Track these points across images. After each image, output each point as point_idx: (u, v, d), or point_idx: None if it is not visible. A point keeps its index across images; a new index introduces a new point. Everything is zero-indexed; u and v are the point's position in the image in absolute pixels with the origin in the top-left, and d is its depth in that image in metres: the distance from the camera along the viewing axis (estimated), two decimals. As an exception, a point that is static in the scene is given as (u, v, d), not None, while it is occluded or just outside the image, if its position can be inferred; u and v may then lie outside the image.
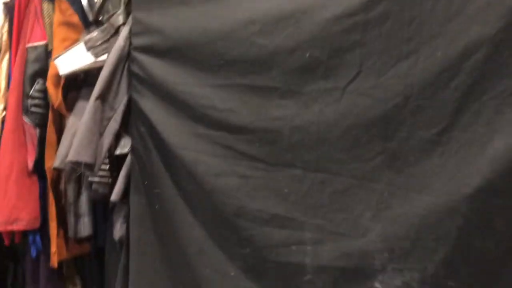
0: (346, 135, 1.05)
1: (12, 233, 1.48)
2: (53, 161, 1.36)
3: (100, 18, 1.41)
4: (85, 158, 1.13)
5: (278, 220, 1.11)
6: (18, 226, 1.41)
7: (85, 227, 1.49)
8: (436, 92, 0.98)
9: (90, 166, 1.15)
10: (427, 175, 1.01)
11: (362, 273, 1.06)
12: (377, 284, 1.06)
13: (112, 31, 1.28)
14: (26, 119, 1.40)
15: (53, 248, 1.44)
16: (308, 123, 1.07)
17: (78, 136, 1.15)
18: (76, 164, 1.14)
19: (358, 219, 1.07)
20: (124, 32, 1.22)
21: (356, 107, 1.04)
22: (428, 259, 1.01)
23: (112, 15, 1.32)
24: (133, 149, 1.24)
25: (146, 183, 1.24)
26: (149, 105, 1.19)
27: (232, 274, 1.16)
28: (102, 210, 1.54)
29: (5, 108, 1.44)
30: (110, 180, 1.38)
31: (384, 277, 1.05)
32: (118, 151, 1.37)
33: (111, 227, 1.46)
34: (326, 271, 1.08)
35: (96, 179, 1.38)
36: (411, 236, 1.02)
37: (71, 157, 1.12)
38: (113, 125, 1.20)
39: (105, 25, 1.33)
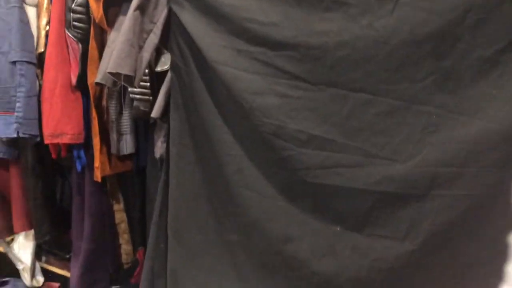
0: (396, 52, 0.98)
1: (58, 147, 1.53)
2: (95, 77, 1.36)
3: None
4: (125, 69, 1.11)
5: (317, 142, 1.07)
6: (63, 140, 1.45)
7: (127, 145, 1.52)
8: (501, 4, 0.88)
9: (129, 78, 1.14)
10: (482, 98, 0.94)
11: (402, 199, 1.03)
12: (417, 211, 1.02)
13: None
14: (69, 34, 1.40)
15: (96, 163, 1.47)
16: (355, 38, 1.00)
17: (118, 48, 1.13)
18: (115, 76, 1.13)
19: (402, 143, 1.01)
20: None
21: (408, 21, 0.96)
22: (474, 188, 0.96)
23: None
24: (172, 65, 1.21)
25: (185, 100, 1.22)
26: (189, 18, 1.14)
27: (269, 194, 1.15)
28: (144, 129, 1.55)
29: (48, 22, 1.44)
30: (151, 98, 1.38)
31: (425, 204, 1.01)
32: (158, 68, 1.35)
33: (152, 145, 1.48)
34: (365, 195, 1.05)
35: (137, 96, 1.37)
36: (458, 162, 0.96)
37: (110, 68, 1.11)
38: (153, 38, 1.17)
39: None
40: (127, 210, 1.73)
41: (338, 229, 1.10)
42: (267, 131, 1.10)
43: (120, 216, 1.74)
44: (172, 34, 1.20)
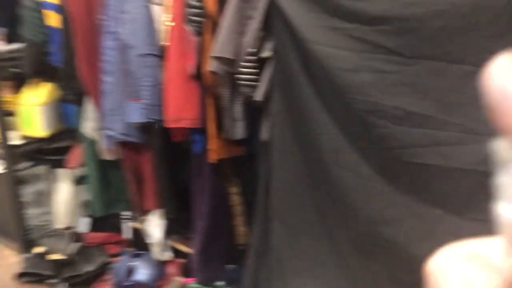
0: (500, 17, 0.90)
1: (180, 131, 1.68)
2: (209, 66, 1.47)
3: None
4: (227, 54, 1.19)
5: (414, 118, 1.02)
6: (183, 124, 1.59)
7: (239, 130, 1.60)
8: None
9: (231, 62, 1.21)
10: None
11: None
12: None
13: None
14: (188, 28, 1.53)
15: (211, 147, 1.59)
16: (454, 6, 0.94)
17: (221, 34, 1.21)
18: (220, 61, 1.21)
19: (509, 117, 0.92)
20: None
21: (513, -19, 0.87)
22: None
23: None
24: (273, 48, 1.26)
25: (284, 82, 1.26)
26: (287, 1, 1.18)
27: (366, 174, 1.13)
28: (256, 115, 1.63)
29: (171, 18, 1.59)
30: (256, 83, 1.45)
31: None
32: (262, 54, 1.41)
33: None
34: (467, 176, 0.98)
35: (244, 82, 1.45)
36: None
37: (214, 53, 1.20)
38: (254, 23, 1.23)
39: None
40: (243, 193, 1.82)
41: (439, 212, 1.03)
42: (362, 108, 1.08)
43: (236, 198, 1.84)
44: (272, 19, 1.25)
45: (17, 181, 2.21)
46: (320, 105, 1.17)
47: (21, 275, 2.12)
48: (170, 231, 2.02)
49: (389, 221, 1.11)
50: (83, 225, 2.33)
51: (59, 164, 2.39)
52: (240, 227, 1.87)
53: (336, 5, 1.09)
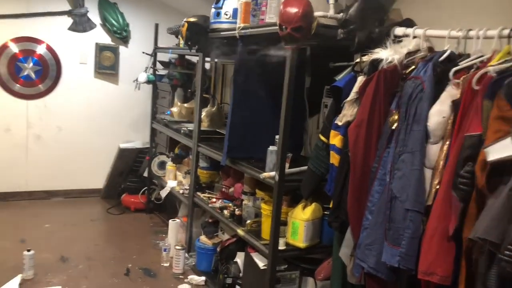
0: None
1: (427, 284, 1.80)
2: (470, 233, 1.59)
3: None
4: (492, 237, 1.31)
5: None
6: (433, 279, 1.71)
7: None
8: None
9: (495, 245, 1.32)
10: None
11: None
12: None
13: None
14: (454, 193, 1.69)
15: (458, 308, 1.66)
16: None
17: (489, 217, 1.34)
18: (483, 240, 1.33)
19: None
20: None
21: None
22: None
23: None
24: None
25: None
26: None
27: None
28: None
29: (439, 183, 1.78)
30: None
31: None
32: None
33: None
34: None
35: (506, 258, 1.51)
36: None
37: (479, 233, 1.33)
38: (524, 215, 1.33)
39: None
40: None
41: None
42: None
43: None
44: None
45: (273, 279, 2.62)
46: None
47: None
48: None
49: None
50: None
51: (309, 272, 2.74)
52: None
53: None
